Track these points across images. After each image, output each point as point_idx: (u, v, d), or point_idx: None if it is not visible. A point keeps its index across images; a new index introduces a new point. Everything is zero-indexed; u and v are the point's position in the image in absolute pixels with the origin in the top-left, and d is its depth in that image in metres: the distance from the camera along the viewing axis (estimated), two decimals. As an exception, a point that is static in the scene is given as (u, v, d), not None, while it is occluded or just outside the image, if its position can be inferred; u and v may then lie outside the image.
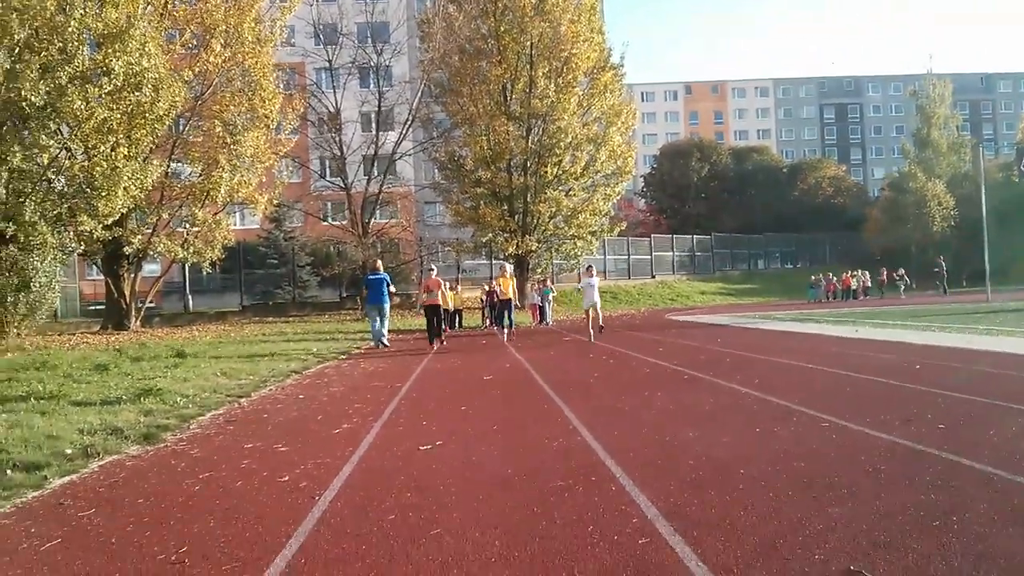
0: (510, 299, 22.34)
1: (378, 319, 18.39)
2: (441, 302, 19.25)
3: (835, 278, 46.40)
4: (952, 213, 58.13)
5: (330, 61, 36.46)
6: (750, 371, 10.79)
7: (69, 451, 6.26)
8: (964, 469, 4.84)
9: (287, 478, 5.38)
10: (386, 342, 18.11)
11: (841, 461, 5.24)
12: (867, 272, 48.02)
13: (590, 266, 19.68)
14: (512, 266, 25.38)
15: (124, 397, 9.25)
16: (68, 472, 5.73)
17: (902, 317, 22.59)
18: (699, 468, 5.19)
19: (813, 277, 46.19)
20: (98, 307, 34.43)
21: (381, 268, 19.18)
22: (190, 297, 38.22)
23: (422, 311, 20.31)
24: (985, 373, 9.68)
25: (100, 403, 8.90)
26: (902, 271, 46.62)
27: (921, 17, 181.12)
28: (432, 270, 20.82)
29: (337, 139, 36.49)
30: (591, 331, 18.13)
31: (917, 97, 67.28)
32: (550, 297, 28.67)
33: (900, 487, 4.50)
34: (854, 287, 45.99)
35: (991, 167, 56.76)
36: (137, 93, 21.47)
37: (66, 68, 19.64)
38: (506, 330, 21.64)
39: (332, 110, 36.57)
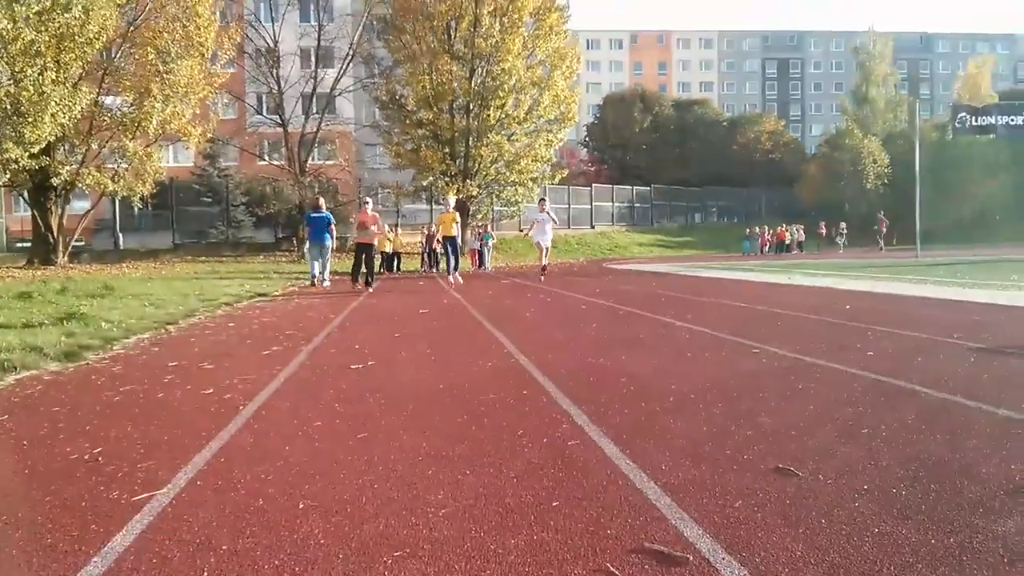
0: (455, 237, 18.51)
1: (319, 257, 18.27)
2: (376, 241, 17.98)
3: (770, 231, 47.09)
4: (886, 171, 59.11)
5: (269, -9, 35.40)
6: (683, 309, 10.86)
7: (-17, 364, 6.01)
8: (893, 388, 4.91)
9: (211, 391, 5.23)
10: (327, 282, 17.93)
11: (771, 380, 5.28)
12: (801, 227, 48.83)
13: (543, 199, 18.75)
14: (456, 199, 21.41)
15: (46, 322, 8.93)
16: (-19, 383, 5.50)
17: (835, 268, 23.01)
18: (630, 385, 5.18)
19: (748, 230, 46.81)
20: (25, 244, 33.33)
21: (324, 206, 18.93)
22: (120, 235, 37.18)
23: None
24: (912, 313, 9.88)
25: (21, 326, 8.57)
26: (843, 225, 47.33)
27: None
28: (367, 203, 18.36)
29: (275, 73, 35.57)
30: (541, 266, 17.93)
31: (857, 53, 67.96)
32: (490, 243, 28.57)
33: (829, 402, 4.54)
34: (788, 241, 46.74)
35: (927, 127, 57.72)
36: (66, 15, 20.54)
37: (-10, -14, 18.69)
38: (451, 273, 18.01)
39: (270, 43, 35.56)
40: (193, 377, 5.80)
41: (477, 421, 4.22)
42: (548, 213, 17.73)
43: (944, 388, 4.81)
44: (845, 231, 46.64)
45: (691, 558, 2.36)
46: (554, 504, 2.87)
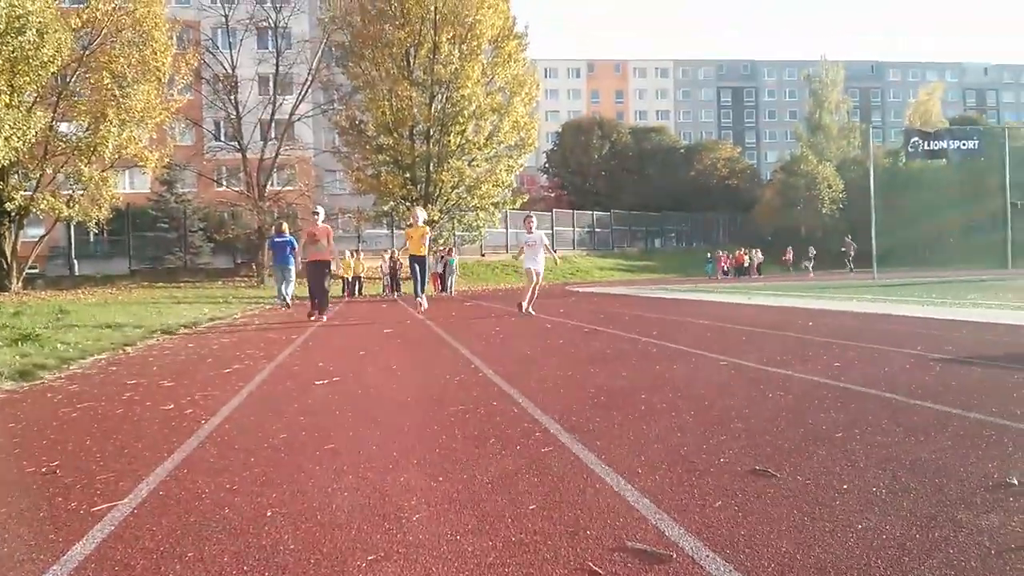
0: (423, 256, 15.78)
1: (284, 280, 18.44)
2: (331, 260, 15.13)
3: (728, 256, 47.64)
4: (841, 196, 60.15)
5: (226, 17, 35.21)
6: (648, 326, 10.85)
7: (-67, 384, 5.80)
8: (862, 395, 4.90)
9: (171, 406, 5.10)
10: (289, 303, 17.83)
11: (741, 389, 5.26)
12: (758, 250, 49.44)
13: (529, 215, 15.26)
14: (425, 213, 17.42)
15: (0, 343, 8.69)
16: (-70, 403, 5.30)
17: (795, 289, 23.25)
18: (600, 395, 5.13)
19: (709, 254, 47.33)
20: (-25, 272, 32.60)
21: (287, 231, 19.27)
22: (76, 261, 36.52)
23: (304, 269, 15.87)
24: (874, 328, 9.96)
25: (-28, 347, 8.34)
26: (812, 250, 47.74)
27: (816, 4, 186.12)
28: (316, 214, 15.06)
29: (232, 99, 35.35)
30: (527, 298, 13.81)
31: (811, 81, 69.43)
32: (454, 266, 28.46)
33: (801, 408, 4.52)
34: (747, 264, 47.25)
35: (879, 153, 58.87)
36: (20, 38, 20.34)
37: (-59, 9, 18.41)
38: (418, 295, 15.99)
39: (227, 69, 35.36)
40: (153, 394, 5.65)
41: (447, 431, 4.14)
42: (540, 236, 14.26)
43: (913, 395, 4.82)
44: (813, 256, 47.05)
45: (675, 556, 2.30)
46: (531, 508, 2.80)
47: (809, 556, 2.27)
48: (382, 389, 5.69)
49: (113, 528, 2.71)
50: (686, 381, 5.67)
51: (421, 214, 15.79)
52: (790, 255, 48.77)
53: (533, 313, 13.49)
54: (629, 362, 6.88)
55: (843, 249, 45.01)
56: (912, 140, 36.44)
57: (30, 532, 2.69)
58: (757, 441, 3.72)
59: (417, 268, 15.68)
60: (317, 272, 14.26)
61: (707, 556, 2.29)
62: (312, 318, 13.82)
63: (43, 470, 3.52)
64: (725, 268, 46.09)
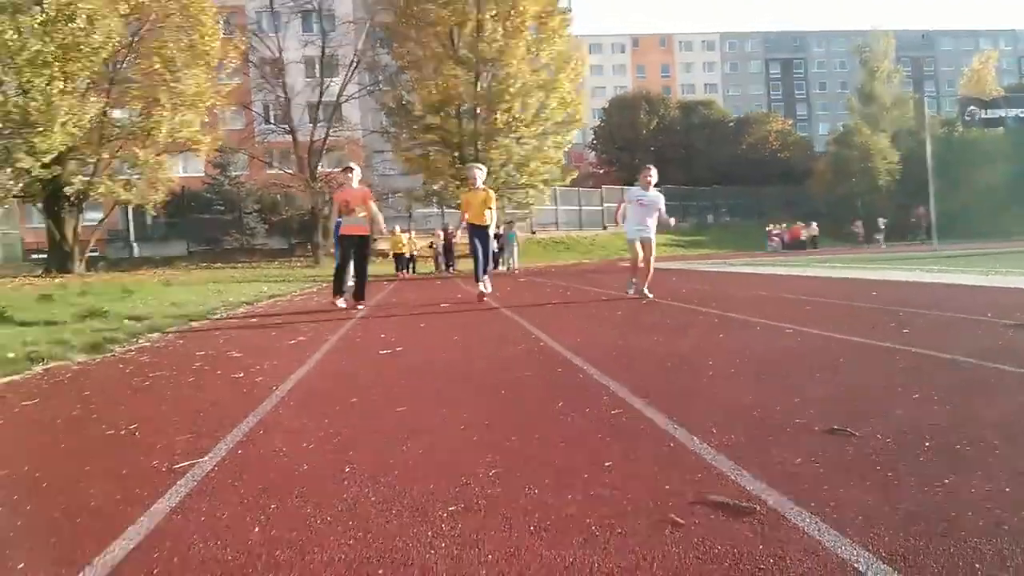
0: (486, 228, 12.05)
1: None
2: (367, 230, 11.28)
3: (778, 228, 47.10)
4: (896, 167, 58.94)
5: (271, 1, 35.44)
6: (706, 298, 10.77)
7: (12, 355, 5.96)
8: (935, 359, 4.81)
9: (242, 375, 5.18)
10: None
11: (809, 355, 5.20)
12: (815, 223, 48.74)
13: (648, 166, 11.31)
14: (484, 172, 12.95)
15: (69, 320, 8.93)
16: (11, 373, 5.44)
17: (855, 261, 22.89)
18: (667, 361, 5.12)
19: (768, 228, 46.91)
20: (40, 256, 33.48)
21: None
22: (135, 244, 37.30)
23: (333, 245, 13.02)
24: (939, 297, 9.76)
25: (44, 323, 8.59)
26: (882, 221, 46.79)
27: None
28: (350, 171, 11.23)
29: (280, 82, 35.65)
30: (636, 280, 11.08)
31: (861, 51, 67.85)
32: (513, 241, 28.22)
33: (874, 372, 4.45)
34: (803, 238, 46.61)
35: (932, 123, 57.56)
36: (71, 25, 20.72)
37: (-5, -2, 18.83)
38: (479, 279, 11.91)
39: (274, 53, 35.64)
40: (222, 364, 5.75)
41: (516, 395, 4.16)
42: (658, 197, 11.13)
43: (988, 358, 4.70)
44: (884, 227, 46.03)
45: (757, 508, 2.29)
46: (607, 464, 2.80)
47: (897, 509, 2.23)
48: (447, 358, 5.73)
49: (196, 483, 2.77)
50: (753, 348, 5.60)
51: (480, 174, 12.15)
52: (860, 227, 47.81)
53: (651, 296, 10.58)
54: (693, 332, 6.83)
55: (913, 220, 43.99)
56: (968, 109, 35.72)
57: (116, 487, 2.75)
58: (831, 403, 3.67)
59: (478, 243, 11.89)
60: (351, 249, 11.15)
61: (792, 509, 2.26)
62: (341, 305, 10.96)
63: (122, 433, 3.60)
64: (777, 242, 45.44)
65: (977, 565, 1.84)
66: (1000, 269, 14.60)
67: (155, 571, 2.01)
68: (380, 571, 1.95)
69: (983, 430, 3.07)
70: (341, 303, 11.06)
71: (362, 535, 2.20)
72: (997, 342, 5.40)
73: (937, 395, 3.72)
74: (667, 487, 2.52)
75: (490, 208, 11.87)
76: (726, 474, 2.62)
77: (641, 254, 10.73)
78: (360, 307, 10.86)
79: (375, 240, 11.37)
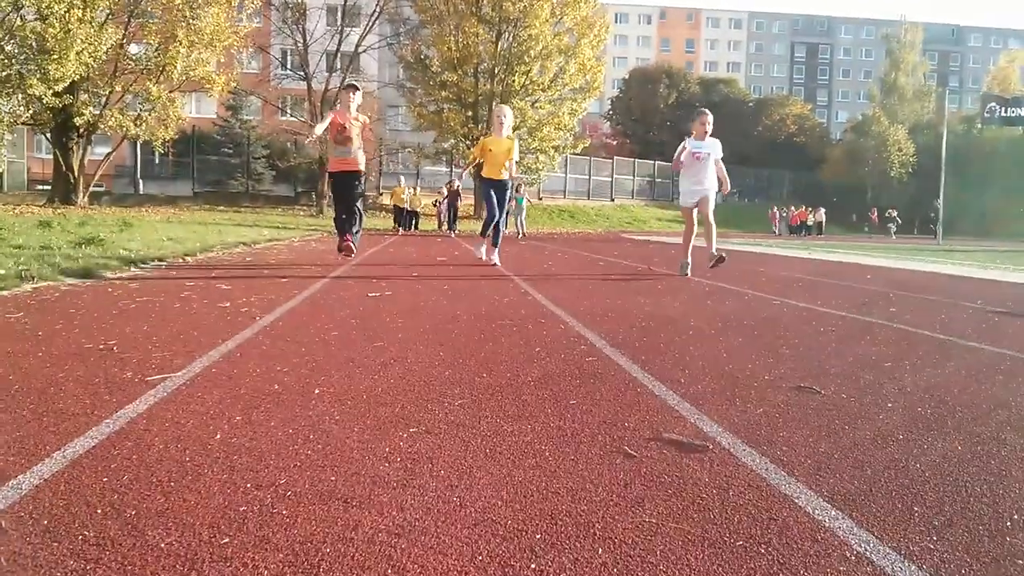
0: (504, 183, 10.24)
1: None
2: (360, 166, 9.26)
3: (781, 212, 47.12)
4: (911, 160, 58.62)
5: (298, -55, 35.17)
6: (703, 269, 10.76)
7: (2, 272, 6.00)
8: (916, 335, 4.84)
9: (228, 304, 5.22)
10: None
11: (791, 323, 5.22)
12: (823, 209, 48.63)
13: (703, 111, 9.40)
14: (512, 116, 11.48)
15: (65, 246, 8.96)
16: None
17: (855, 248, 22.85)
18: (649, 320, 5.13)
19: (782, 210, 46.89)
20: (45, 187, 33.45)
21: None
22: (140, 181, 37.27)
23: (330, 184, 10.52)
24: (932, 283, 9.76)
25: (39, 247, 8.60)
26: (894, 212, 46.61)
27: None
28: (351, 91, 9.30)
29: (300, 28, 35.41)
30: (709, 242, 9.45)
31: (888, 41, 67.25)
32: (523, 205, 28.18)
33: (852, 341, 4.47)
34: (809, 223, 46.54)
35: (953, 119, 57.10)
36: (94, -47, 20.52)
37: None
38: (486, 239, 10.43)
39: (297, -3, 35.44)
40: (211, 294, 5.79)
41: (494, 339, 4.19)
42: (716, 146, 9.30)
43: (968, 338, 4.74)
44: (896, 217, 45.83)
45: (710, 447, 2.32)
46: (571, 402, 2.84)
47: (847, 457, 2.27)
48: (433, 303, 5.75)
49: (165, 395, 2.80)
50: (736, 314, 5.63)
51: (508, 118, 10.16)
52: (875, 215, 47.61)
53: (723, 256, 9.09)
54: (681, 296, 6.85)
55: (932, 214, 43.74)
56: (989, 105, 35.35)
57: (86, 393, 2.79)
58: (804, 365, 3.70)
59: (494, 198, 10.08)
60: (343, 187, 9.27)
61: (744, 450, 2.30)
62: (343, 254, 9.24)
63: (100, 347, 3.64)
64: (782, 225, 45.41)
65: (916, 508, 1.87)
66: (998, 264, 14.58)
67: (112, 467, 2.05)
68: (332, 478, 1.99)
69: (948, 398, 3.10)
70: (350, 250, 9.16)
71: (320, 447, 2.24)
72: (981, 325, 5.42)
73: (910, 366, 3.75)
74: (626, 424, 2.55)
75: (512, 159, 9.93)
76: (686, 417, 2.66)
77: (696, 225, 9.48)
78: (352, 248, 9.16)
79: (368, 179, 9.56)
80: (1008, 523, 1.81)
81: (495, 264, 9.94)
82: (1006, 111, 35.32)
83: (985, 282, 10.21)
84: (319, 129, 9.14)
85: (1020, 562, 1.61)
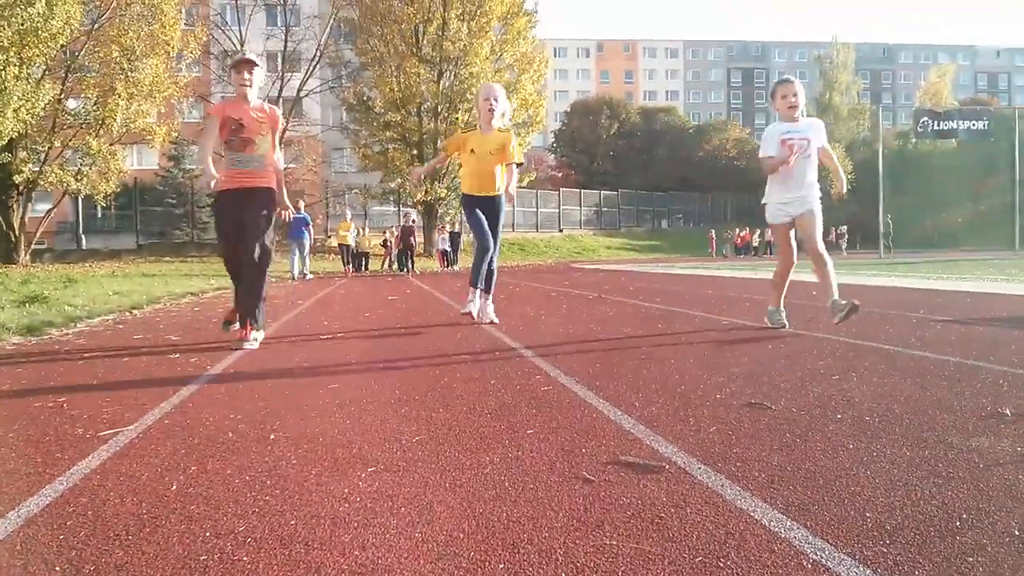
0: (497, 200, 7.11)
1: (297, 253, 19.70)
2: (270, 182, 5.84)
3: (720, 235, 48.01)
4: (849, 177, 59.79)
5: (235, -6, 35.19)
6: (652, 294, 10.90)
7: (-58, 335, 5.87)
8: (860, 347, 4.95)
9: (177, 356, 5.17)
10: (309, 276, 19.34)
11: (740, 342, 5.31)
12: (768, 230, 49.52)
13: (789, 79, 6.19)
14: (507, 102, 7.31)
15: (7, 304, 8.77)
16: (-61, 351, 5.37)
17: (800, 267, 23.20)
18: (601, 347, 5.19)
19: (727, 232, 47.66)
20: (-16, 246, 32.77)
21: (302, 207, 20.54)
22: (83, 236, 36.66)
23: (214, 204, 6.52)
24: (877, 297, 9.98)
25: (-20, 308, 8.42)
26: (843, 229, 47.11)
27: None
28: (250, 65, 5.75)
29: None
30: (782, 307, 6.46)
31: (821, 62, 69.01)
32: (460, 241, 28.36)
33: (799, 357, 4.56)
34: (754, 244, 47.32)
35: (888, 135, 58.60)
36: (30, 9, 20.35)
37: (-48, -21, 18.45)
38: (477, 286, 6.84)
39: (236, 45, 35.34)
40: (159, 346, 5.72)
41: (449, 373, 4.20)
42: (817, 128, 6.17)
43: (912, 347, 4.87)
44: (846, 234, 46.36)
45: (666, 467, 2.35)
46: (528, 432, 2.85)
47: (799, 469, 2.31)
48: (384, 344, 5.76)
49: (118, 449, 2.77)
50: (687, 336, 5.71)
51: (501, 100, 7.08)
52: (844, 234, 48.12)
53: (853, 304, 5.70)
54: (632, 322, 6.92)
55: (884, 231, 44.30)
56: (922, 120, 36.36)
57: (37, 451, 2.75)
58: (754, 382, 3.77)
59: (484, 222, 6.95)
60: (238, 213, 5.71)
61: (699, 468, 2.33)
62: (231, 329, 6.08)
63: (50, 404, 3.58)
64: (729, 247, 46.14)
65: (868, 514, 1.92)
66: (940, 275, 14.94)
67: (68, 524, 2.02)
68: (292, 521, 1.98)
69: (895, 406, 3.17)
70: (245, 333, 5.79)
71: (279, 492, 2.23)
72: (924, 334, 5.56)
73: (856, 376, 3.84)
74: (583, 450, 2.58)
75: (516, 162, 7.08)
76: (641, 440, 2.69)
77: (796, 254, 6.56)
78: (251, 338, 5.71)
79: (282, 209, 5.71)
80: (957, 522, 1.86)
81: (494, 322, 6.97)
82: (938, 124, 36.37)
83: (926, 292, 10.46)
84: (205, 148, 5.75)
85: (970, 559, 1.66)
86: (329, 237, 38.27)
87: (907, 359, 4.40)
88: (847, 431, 2.75)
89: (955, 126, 36.44)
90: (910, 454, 2.45)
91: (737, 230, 49.20)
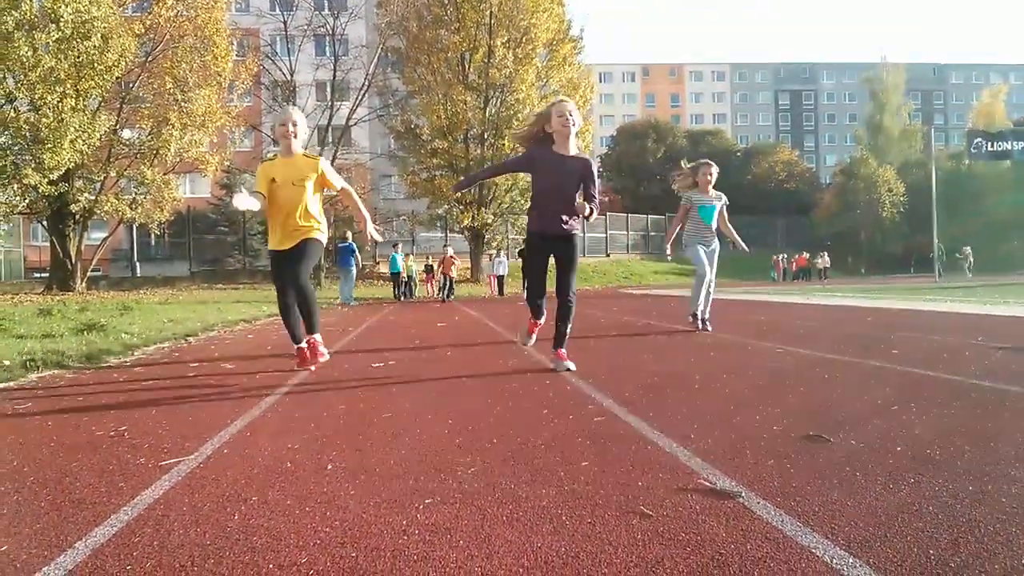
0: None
1: (344, 280, 20.47)
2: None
3: (786, 259, 47.28)
4: (902, 199, 59.08)
5: (285, 24, 35.82)
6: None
7: (7, 363, 6.03)
8: (921, 376, 4.86)
9: (234, 384, 5.25)
10: (353, 302, 19.58)
11: (797, 371, 5.24)
12: (826, 253, 48.87)
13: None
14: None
15: (67, 332, 9.00)
16: (5, 380, 5.51)
17: (855, 291, 22.89)
18: (654, 376, 5.16)
19: (774, 258, 47.08)
20: (42, 275, 33.61)
21: (350, 237, 21.21)
22: (137, 263, 37.45)
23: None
24: (934, 323, 9.81)
25: (41, 336, 8.64)
26: (967, 250, 43.96)
27: (878, 5, 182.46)
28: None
29: (291, 105, 35.90)
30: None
31: (871, 84, 68.25)
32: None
33: (858, 387, 4.49)
34: (810, 267, 46.81)
35: (941, 156, 57.68)
36: (86, 43, 20.95)
37: (12, 14, 19.07)
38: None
39: (286, 75, 35.97)
40: (215, 374, 5.82)
41: (501, 403, 4.21)
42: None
43: (972, 376, 4.76)
44: (971, 255, 43.98)
45: (725, 502, 2.33)
46: (583, 464, 2.85)
47: (860, 504, 2.28)
48: (437, 370, 5.77)
49: (180, 478, 2.82)
50: (741, 365, 5.65)
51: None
52: (948, 253, 44.97)
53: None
54: (684, 351, 6.88)
55: (957, 256, 42.89)
56: (975, 141, 35.72)
57: (101, 481, 2.81)
58: (812, 414, 3.72)
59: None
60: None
61: (758, 503, 2.31)
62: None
63: (111, 434, 3.66)
64: (783, 271, 45.59)
65: (931, 551, 1.89)
66: (998, 299, 14.62)
67: (134, 554, 2.06)
68: (353, 554, 2.00)
69: (956, 438, 3.11)
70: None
71: (338, 524, 2.25)
72: (984, 362, 5.44)
73: (916, 408, 3.77)
74: (640, 483, 2.57)
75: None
76: (698, 473, 2.67)
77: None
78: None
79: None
80: (1023, 560, 1.83)
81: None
82: (992, 146, 35.70)
83: (985, 318, 10.24)
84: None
85: (1040, 600, 1.63)
86: (378, 263, 38.62)
87: (968, 389, 4.32)
88: (908, 464, 2.71)
89: (1009, 147, 35.72)
90: (973, 488, 2.40)
91: (784, 255, 48.57)
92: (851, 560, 1.85)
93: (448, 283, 26.56)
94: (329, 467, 2.92)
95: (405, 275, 27.40)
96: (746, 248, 9.35)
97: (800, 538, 2.00)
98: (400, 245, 29.61)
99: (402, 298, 25.97)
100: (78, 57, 21.15)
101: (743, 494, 2.40)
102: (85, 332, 8.93)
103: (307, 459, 3.06)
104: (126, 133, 27.25)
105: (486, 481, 2.65)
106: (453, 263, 26.57)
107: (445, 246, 30.11)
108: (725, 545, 1.97)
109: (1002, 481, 2.48)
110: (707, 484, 2.54)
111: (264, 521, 2.30)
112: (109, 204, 25.59)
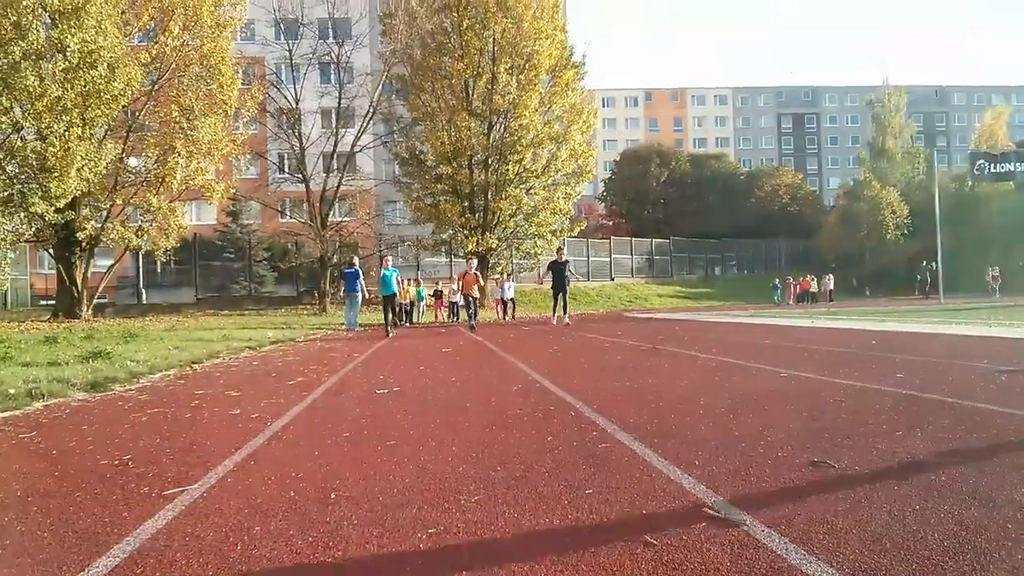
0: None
1: (353, 307, 20.08)
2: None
3: (795, 281, 47.14)
4: (906, 221, 58.99)
5: (290, 52, 36.03)
6: (708, 344, 10.77)
7: (12, 391, 6.03)
8: (925, 400, 4.85)
9: (238, 411, 5.24)
10: (358, 327, 19.44)
11: (800, 396, 5.23)
12: (831, 276, 48.78)
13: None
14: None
15: (72, 360, 9.01)
16: (10, 408, 5.51)
17: (859, 314, 22.84)
18: (658, 401, 5.14)
19: (777, 280, 46.97)
20: (49, 302, 33.64)
21: (356, 263, 20.68)
22: (143, 290, 37.48)
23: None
24: (938, 345, 9.77)
25: (47, 364, 8.65)
26: (996, 269, 42.10)
27: (878, 29, 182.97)
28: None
29: (296, 132, 36.07)
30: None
31: (873, 106, 68.34)
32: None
33: (862, 412, 4.48)
34: (813, 290, 46.67)
35: (944, 178, 57.56)
36: (92, 72, 21.06)
37: (19, 43, 19.22)
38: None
39: (291, 103, 36.14)
40: (220, 402, 5.81)
41: (505, 430, 4.20)
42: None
43: (977, 399, 4.75)
44: (999, 275, 42.37)
45: (729, 530, 2.32)
46: (587, 492, 2.84)
47: (865, 530, 2.27)
48: (442, 397, 5.77)
49: (183, 508, 2.82)
50: (745, 390, 5.64)
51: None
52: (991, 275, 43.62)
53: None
54: (688, 375, 6.87)
55: (986, 278, 42.07)
56: (978, 163, 35.73)
57: (105, 511, 2.81)
58: (815, 439, 3.71)
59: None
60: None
61: (763, 531, 2.30)
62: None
63: (115, 463, 3.66)
64: (791, 295, 45.53)
65: (936, 581, 1.88)
66: (1003, 321, 14.57)
67: (136, 585, 2.05)
68: (354, 585, 1.99)
69: (960, 462, 3.10)
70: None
71: (340, 553, 2.25)
72: (989, 386, 5.42)
73: (920, 432, 3.77)
74: (643, 512, 2.56)
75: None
76: (703, 500, 2.66)
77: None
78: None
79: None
80: (1032, 589, 1.81)
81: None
82: (995, 167, 35.67)
83: (989, 340, 10.21)
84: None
85: (1047, 630, 1.61)
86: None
87: (972, 413, 4.30)
88: (912, 490, 2.70)
89: (1012, 168, 35.65)
90: (978, 515, 2.39)
91: (790, 277, 48.48)
92: (856, 589, 1.84)
93: (471, 305, 21.03)
94: (333, 496, 2.92)
95: (406, 300, 25.60)
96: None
97: (805, 567, 2.00)
98: (390, 259, 22.36)
99: (392, 329, 20.93)
100: (84, 86, 21.24)
101: (748, 522, 2.39)
102: (91, 360, 8.93)
103: (311, 488, 3.06)
104: (132, 161, 27.35)
105: (489, 511, 2.64)
106: (477, 281, 21.28)
107: (468, 259, 27.80)
108: (729, 574, 1.96)
109: (1008, 508, 2.46)
110: (712, 512, 2.53)
111: (266, 552, 2.30)
112: (115, 232, 25.62)
